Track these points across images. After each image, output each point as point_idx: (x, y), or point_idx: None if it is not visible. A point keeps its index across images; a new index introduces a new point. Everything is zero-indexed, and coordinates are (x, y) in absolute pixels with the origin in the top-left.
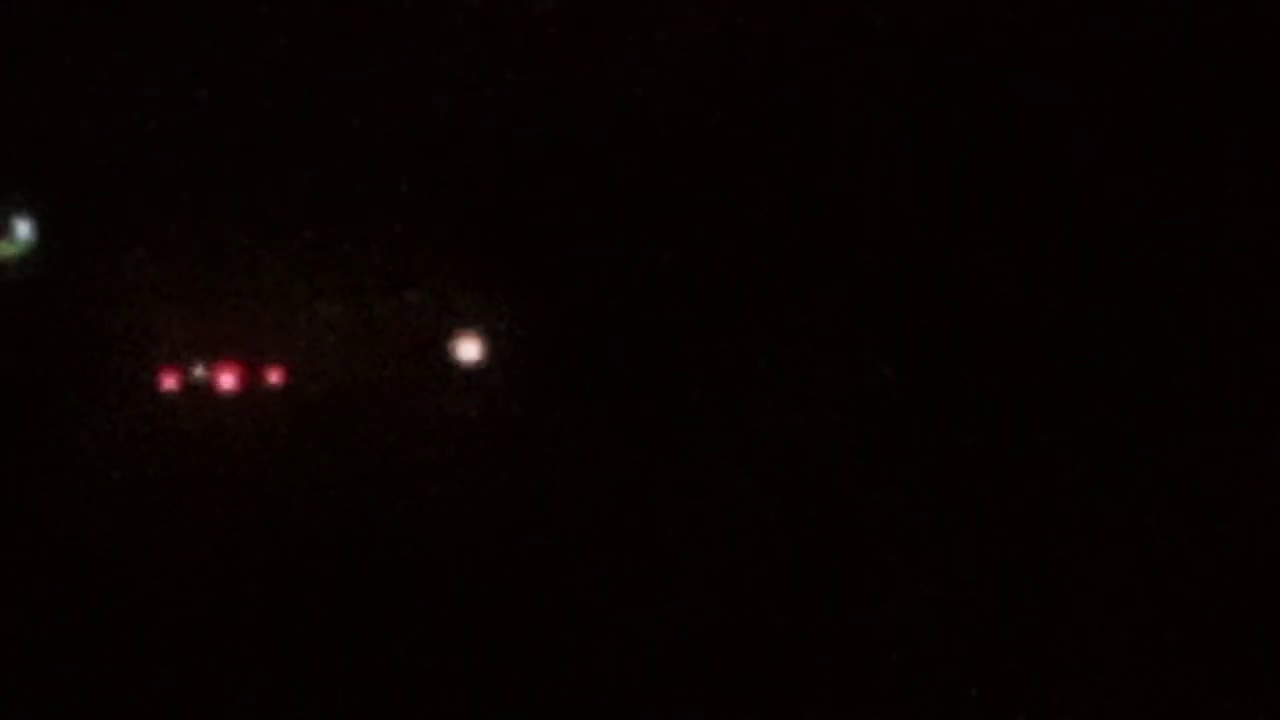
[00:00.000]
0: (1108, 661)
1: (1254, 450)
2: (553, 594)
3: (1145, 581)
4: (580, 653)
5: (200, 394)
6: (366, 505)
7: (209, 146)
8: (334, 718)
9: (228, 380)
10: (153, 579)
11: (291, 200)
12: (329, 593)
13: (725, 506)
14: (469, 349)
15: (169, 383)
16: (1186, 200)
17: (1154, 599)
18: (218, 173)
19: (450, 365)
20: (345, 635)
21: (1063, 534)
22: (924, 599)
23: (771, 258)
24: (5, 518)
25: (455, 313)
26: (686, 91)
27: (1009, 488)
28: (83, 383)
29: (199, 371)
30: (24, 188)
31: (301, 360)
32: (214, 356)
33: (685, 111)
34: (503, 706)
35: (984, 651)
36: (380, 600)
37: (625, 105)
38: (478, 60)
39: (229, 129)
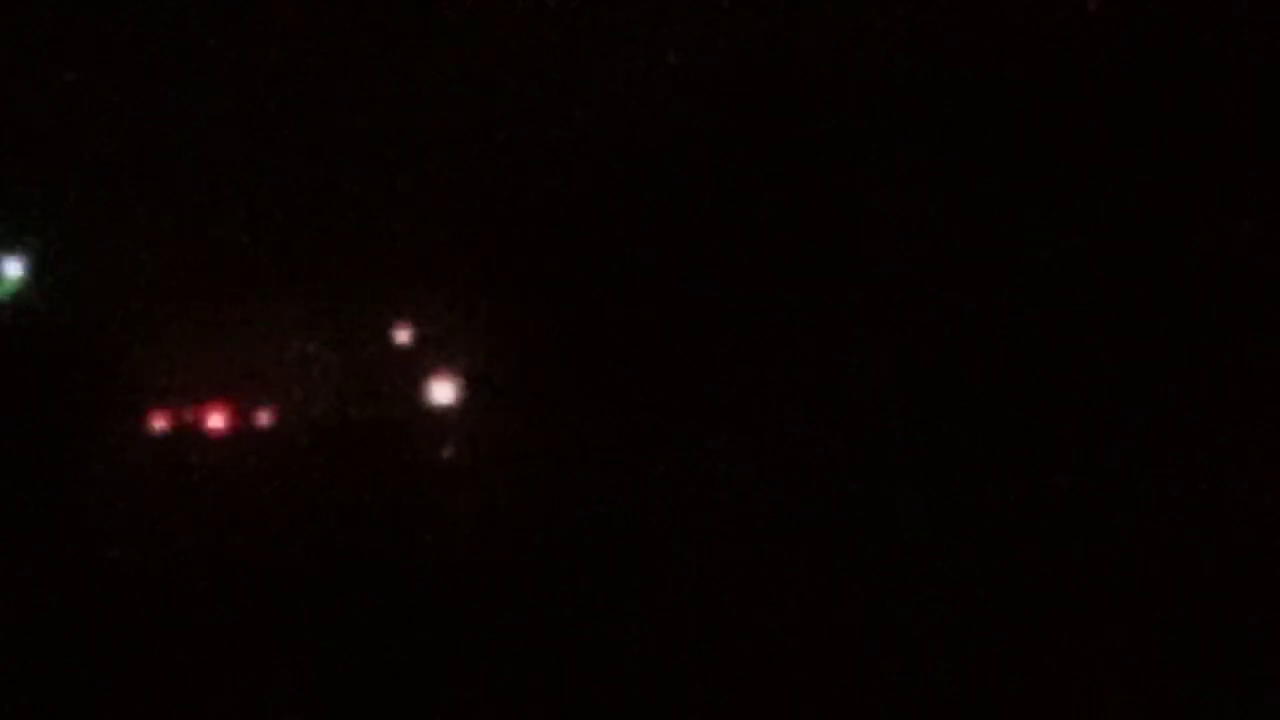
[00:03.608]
0: (1108, 661)
1: (1254, 450)
2: (539, 633)
3: (1146, 581)
4: (565, 696)
5: (189, 434)
6: (356, 544)
7: (198, 189)
8: None
9: (216, 420)
10: (142, 618)
11: (280, 241)
12: (318, 631)
13: (709, 555)
14: (450, 390)
15: (158, 423)
16: (1187, 200)
17: (1154, 599)
18: (207, 215)
19: (439, 405)
20: (333, 672)
21: (1063, 534)
22: (924, 599)
23: (769, 284)
24: None
25: (445, 353)
26: (685, 120)
27: (1009, 487)
28: (72, 424)
29: (188, 412)
30: (13, 228)
31: (290, 401)
32: (203, 397)
33: (685, 144)
34: None
35: (984, 651)
36: (369, 638)
37: (623, 139)
38: (474, 96)
39: (217, 172)
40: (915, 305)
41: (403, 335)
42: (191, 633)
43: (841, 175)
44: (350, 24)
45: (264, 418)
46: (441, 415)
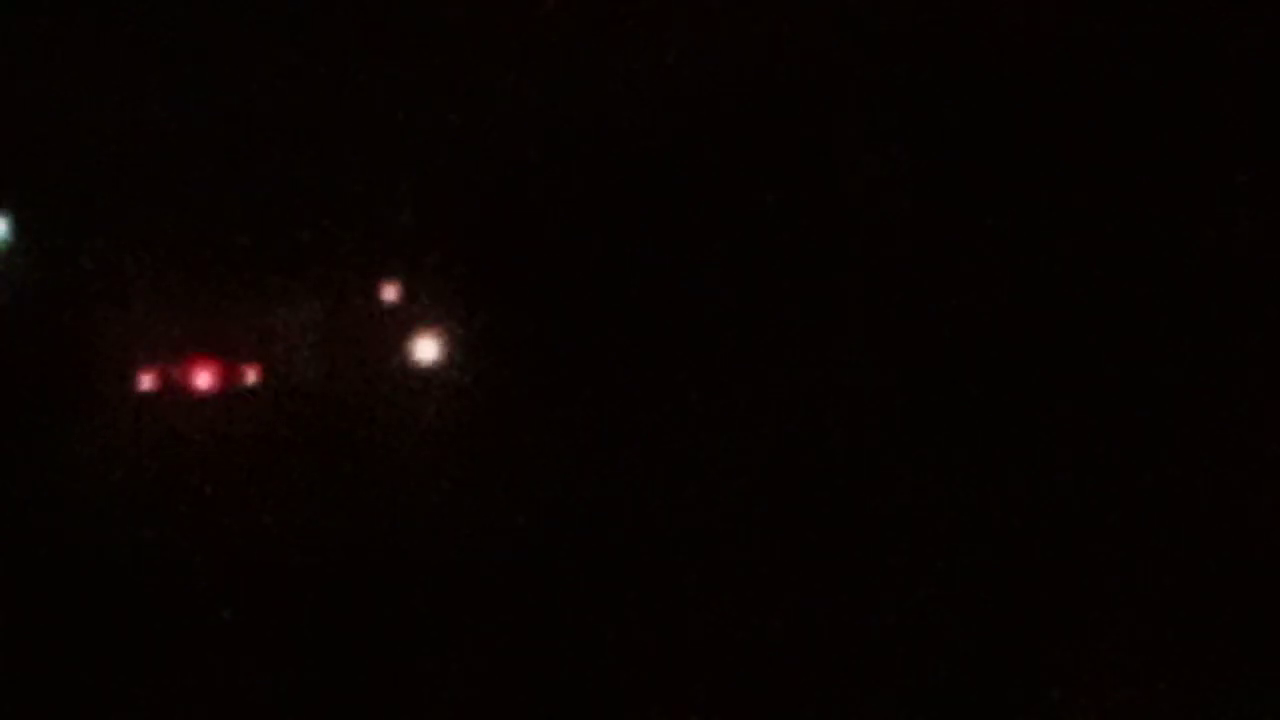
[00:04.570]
0: (1108, 662)
1: (1254, 450)
2: (526, 592)
3: (1145, 582)
4: (556, 650)
5: (177, 393)
6: (342, 502)
7: (185, 149)
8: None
9: (204, 380)
10: (132, 576)
11: (267, 200)
12: (306, 589)
13: (694, 505)
14: (433, 348)
15: (146, 382)
16: (1186, 200)
17: (1154, 599)
18: (194, 174)
19: (423, 364)
20: (323, 631)
21: (1063, 534)
22: (924, 599)
23: (753, 260)
24: None
25: (431, 312)
26: (676, 97)
27: (1009, 488)
28: (60, 383)
29: (175, 371)
30: None
31: (277, 360)
32: (190, 357)
33: (673, 117)
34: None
35: (984, 652)
36: (357, 596)
37: (610, 111)
38: (462, 64)
39: (205, 131)
40: (914, 304)
41: (390, 293)
42: (177, 591)
43: (840, 175)
44: (349, 18)
45: (250, 376)
46: (425, 373)
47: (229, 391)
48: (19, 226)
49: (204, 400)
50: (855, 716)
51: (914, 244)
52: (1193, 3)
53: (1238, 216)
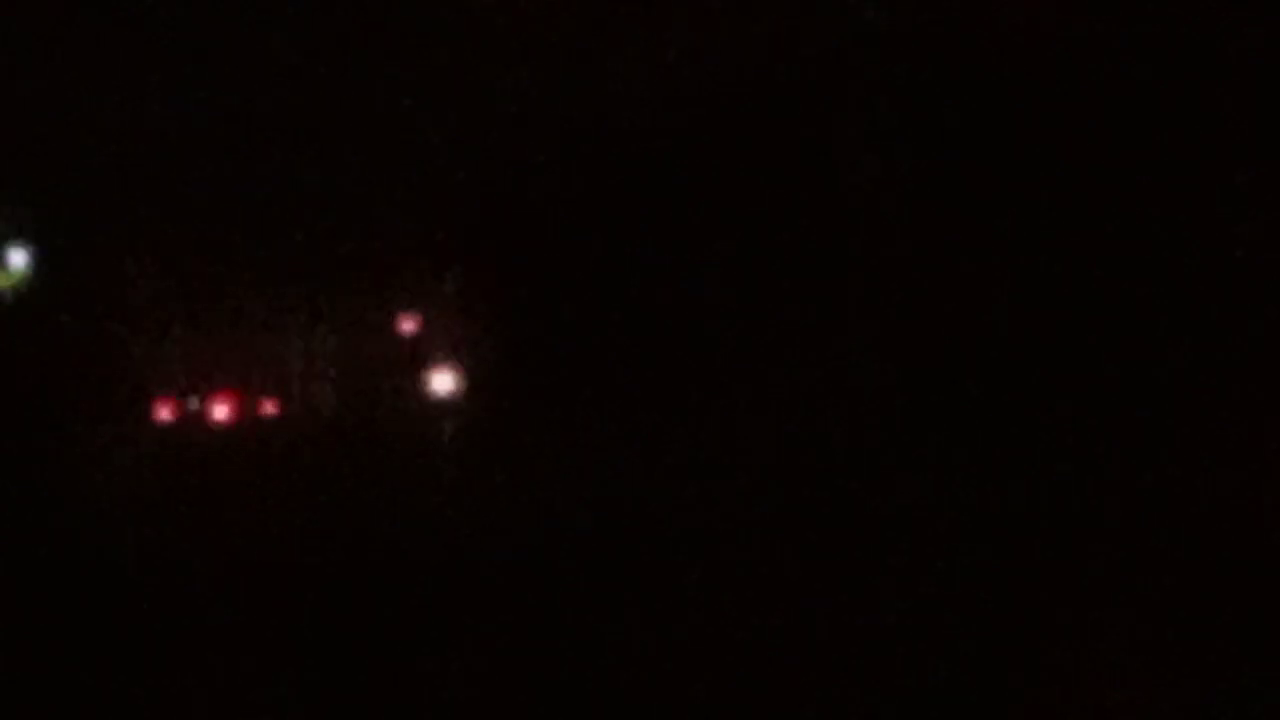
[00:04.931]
0: (1107, 662)
1: (1254, 450)
2: (544, 618)
3: (1146, 582)
4: (568, 680)
5: (195, 424)
6: (360, 534)
7: (203, 179)
8: None
9: (222, 411)
10: (148, 605)
11: (285, 231)
12: (322, 619)
13: (708, 530)
14: (449, 380)
15: (164, 413)
16: (1187, 200)
17: (1154, 599)
18: (211, 205)
19: (441, 395)
20: (337, 660)
21: (1064, 534)
22: (923, 600)
23: (766, 282)
24: (1, 546)
25: (448, 343)
26: (680, 114)
27: (1009, 488)
28: (78, 414)
29: (193, 402)
30: (19, 217)
31: (295, 391)
32: (209, 387)
33: (679, 132)
34: None
35: (984, 652)
36: (373, 625)
37: (619, 123)
38: (475, 91)
39: (222, 161)
40: (915, 304)
41: (408, 325)
42: (193, 621)
43: (842, 175)
44: (352, 22)
45: (269, 408)
46: (442, 405)
47: (246, 422)
48: (37, 258)
49: (222, 431)
50: (855, 716)
51: (914, 244)
52: (1193, 3)
53: (1238, 216)
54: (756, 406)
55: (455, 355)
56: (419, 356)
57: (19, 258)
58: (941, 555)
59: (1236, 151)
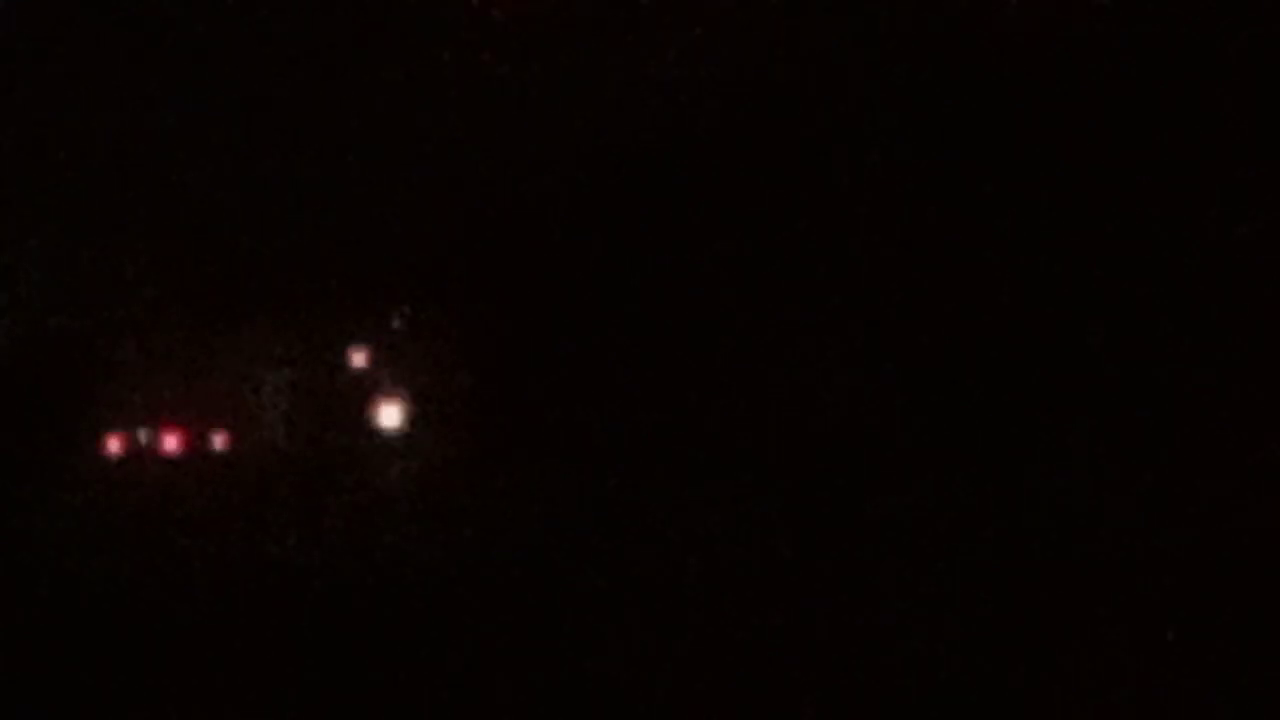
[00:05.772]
0: (1108, 662)
1: (1254, 450)
2: (490, 653)
3: (1144, 581)
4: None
5: (145, 457)
6: (309, 565)
7: (153, 214)
8: None
9: (172, 443)
10: (99, 638)
11: (235, 267)
12: (272, 650)
13: (662, 572)
14: (398, 412)
15: (114, 446)
16: (1186, 200)
17: (1152, 599)
18: (161, 240)
19: (389, 427)
20: (286, 691)
21: (1064, 534)
22: (923, 600)
23: (755, 288)
24: None
25: (398, 376)
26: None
27: (1009, 488)
28: (29, 447)
29: (143, 435)
30: None
31: (245, 423)
32: (158, 421)
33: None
34: None
35: (984, 652)
36: (318, 660)
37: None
38: (422, 129)
39: (172, 197)
40: (914, 305)
41: (358, 358)
42: (143, 651)
43: (836, 175)
44: (321, 51)
45: (219, 441)
46: (391, 438)
47: (197, 455)
48: None
49: (172, 463)
50: (855, 716)
51: (915, 244)
52: (1193, 3)
53: (1238, 216)
54: (726, 422)
55: (404, 388)
56: (368, 389)
57: None
58: (941, 555)
59: (1236, 151)
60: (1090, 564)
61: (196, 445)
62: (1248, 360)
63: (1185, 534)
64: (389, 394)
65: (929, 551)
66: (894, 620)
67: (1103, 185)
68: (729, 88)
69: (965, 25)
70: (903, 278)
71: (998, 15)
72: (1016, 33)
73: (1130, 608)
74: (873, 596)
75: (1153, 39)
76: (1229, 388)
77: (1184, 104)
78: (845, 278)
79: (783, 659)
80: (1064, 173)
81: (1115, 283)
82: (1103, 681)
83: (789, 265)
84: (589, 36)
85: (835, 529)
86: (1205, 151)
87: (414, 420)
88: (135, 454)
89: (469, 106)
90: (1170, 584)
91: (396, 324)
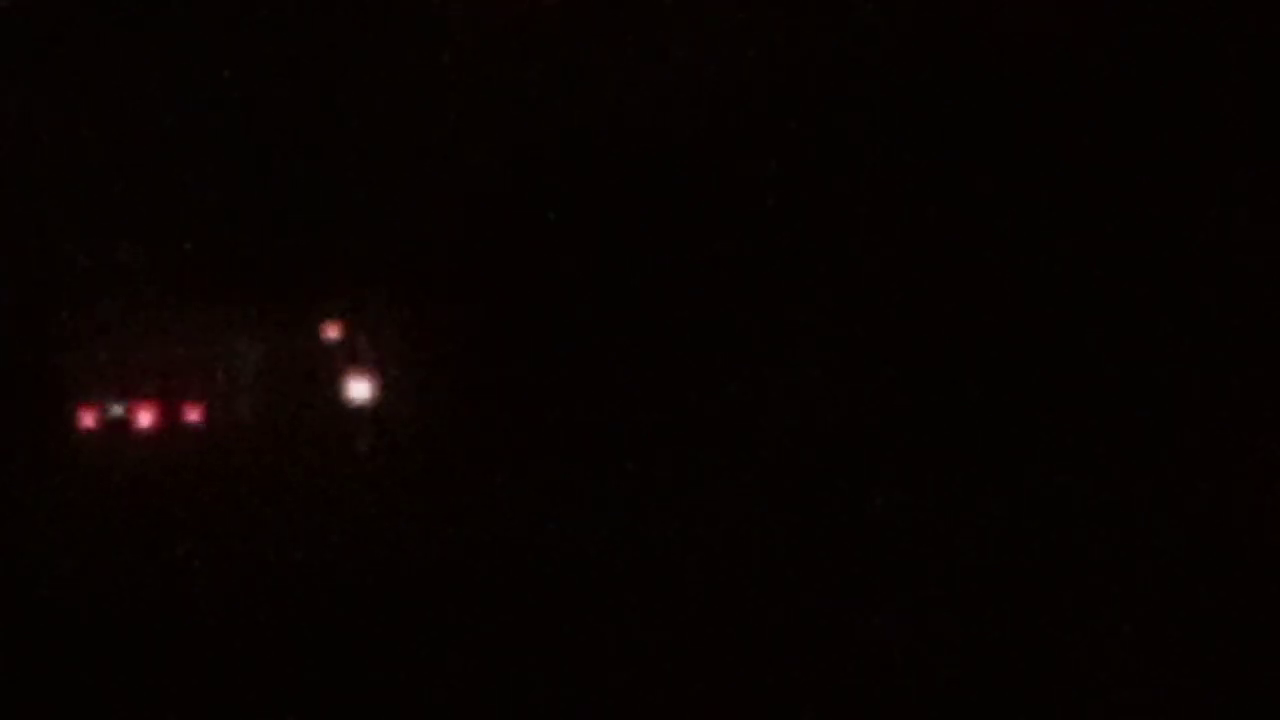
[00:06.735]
0: (1107, 662)
1: (1254, 450)
2: (466, 633)
3: (1144, 582)
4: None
5: (118, 431)
6: (284, 541)
7: (127, 188)
8: None
9: (145, 418)
10: (71, 616)
11: (208, 238)
12: (249, 628)
13: (637, 539)
14: (371, 387)
15: (86, 421)
16: (1187, 200)
17: (1152, 599)
18: (133, 212)
19: (362, 401)
20: (263, 672)
21: (1064, 534)
22: (923, 600)
23: (728, 295)
24: None
25: (372, 351)
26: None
27: (1009, 488)
28: (0, 421)
29: (117, 409)
30: None
31: (219, 398)
32: (132, 395)
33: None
34: None
35: (984, 653)
36: (295, 635)
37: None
38: (399, 108)
39: (147, 171)
40: (914, 305)
41: (331, 332)
42: (119, 632)
43: (835, 176)
44: (305, 27)
45: (193, 415)
46: (364, 413)
47: (170, 429)
48: None
49: (146, 438)
50: (855, 716)
51: (914, 244)
52: (1193, 3)
53: (1238, 216)
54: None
55: (378, 363)
56: (342, 364)
57: None
58: (941, 555)
59: (1236, 151)
60: (1090, 564)
61: (170, 419)
62: (1248, 360)
63: (1185, 534)
64: (364, 367)
65: (929, 551)
66: (894, 620)
67: (1102, 185)
68: (729, 87)
69: (965, 25)
70: (903, 277)
71: (997, 15)
72: (1016, 33)
73: (1130, 608)
74: (873, 596)
75: (1152, 39)
76: (1229, 388)
77: (1184, 104)
78: (845, 277)
79: (783, 659)
80: (1064, 173)
81: (1115, 283)
82: (1103, 681)
83: (788, 265)
84: (589, 37)
85: (835, 529)
86: (1205, 151)
87: (389, 394)
88: (108, 428)
89: (460, 86)
90: (1170, 584)
91: (372, 297)
